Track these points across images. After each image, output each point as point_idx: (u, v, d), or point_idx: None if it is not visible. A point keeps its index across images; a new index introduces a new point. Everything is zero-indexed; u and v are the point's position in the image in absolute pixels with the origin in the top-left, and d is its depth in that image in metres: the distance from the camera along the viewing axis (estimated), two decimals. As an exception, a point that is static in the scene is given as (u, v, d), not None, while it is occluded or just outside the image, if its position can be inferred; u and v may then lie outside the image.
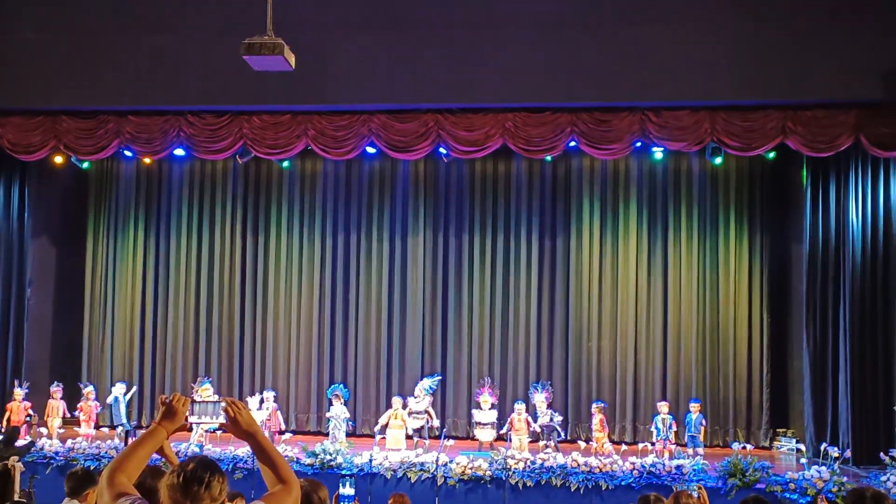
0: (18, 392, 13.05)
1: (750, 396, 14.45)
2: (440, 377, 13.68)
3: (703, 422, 12.83)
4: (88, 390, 13.43)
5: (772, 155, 13.36)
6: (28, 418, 12.51)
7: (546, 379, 14.28)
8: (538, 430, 12.68)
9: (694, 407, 12.77)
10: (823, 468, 11.14)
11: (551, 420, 12.66)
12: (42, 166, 14.55)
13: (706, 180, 14.78)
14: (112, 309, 15.74)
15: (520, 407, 12.82)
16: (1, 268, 14.37)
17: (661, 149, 13.19)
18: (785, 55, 11.46)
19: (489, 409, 12.91)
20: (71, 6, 12.61)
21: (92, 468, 10.44)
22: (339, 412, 13.00)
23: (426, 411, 13.02)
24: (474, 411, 13.18)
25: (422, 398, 13.08)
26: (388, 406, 13.41)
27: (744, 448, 11.94)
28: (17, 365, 14.33)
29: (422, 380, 13.47)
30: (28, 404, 13.02)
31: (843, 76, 11.33)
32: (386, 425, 12.80)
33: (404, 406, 12.97)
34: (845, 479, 10.91)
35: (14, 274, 14.48)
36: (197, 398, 12.00)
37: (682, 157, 14.47)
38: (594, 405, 12.99)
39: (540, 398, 12.94)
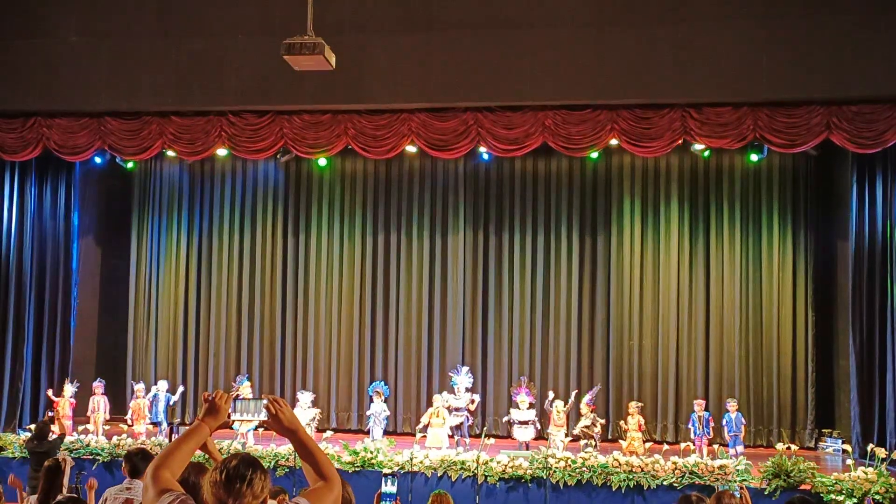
0: (68, 388, 13.28)
1: (795, 396, 14.25)
2: (466, 368, 13.64)
3: (744, 420, 12.67)
4: (139, 388, 13.56)
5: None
6: (51, 413, 12.67)
7: (587, 377, 14.19)
8: (576, 432, 12.59)
9: (731, 405, 12.59)
10: (870, 469, 10.94)
11: (593, 423, 12.55)
12: (87, 167, 14.81)
13: (748, 177, 14.59)
14: (156, 307, 15.95)
15: (557, 404, 12.75)
16: (48, 267, 14.60)
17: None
18: (828, 50, 11.28)
19: (527, 408, 12.86)
20: (113, 10, 12.79)
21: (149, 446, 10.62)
22: (379, 409, 13.04)
23: (466, 408, 13.00)
24: (512, 411, 13.13)
25: (461, 395, 13.07)
26: (429, 404, 13.41)
27: (788, 448, 11.77)
28: (64, 363, 14.56)
29: (457, 375, 13.42)
30: (72, 402, 13.24)
31: (888, 70, 11.12)
32: (427, 424, 12.80)
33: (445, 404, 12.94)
34: (893, 480, 10.72)
35: (60, 273, 14.70)
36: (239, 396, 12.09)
37: (724, 154, 14.31)
38: (633, 405, 12.79)
39: (583, 401, 12.83)
